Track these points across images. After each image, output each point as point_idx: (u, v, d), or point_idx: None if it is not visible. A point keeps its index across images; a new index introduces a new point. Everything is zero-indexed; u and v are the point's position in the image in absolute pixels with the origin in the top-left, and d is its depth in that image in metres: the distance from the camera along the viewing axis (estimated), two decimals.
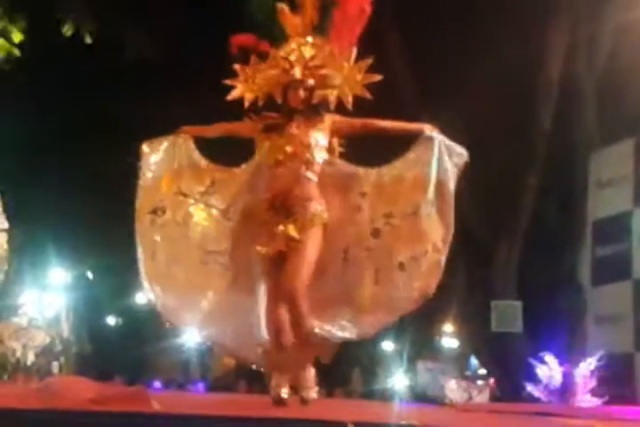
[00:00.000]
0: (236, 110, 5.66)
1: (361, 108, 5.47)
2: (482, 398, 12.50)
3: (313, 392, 4.86)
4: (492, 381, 17.01)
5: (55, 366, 13.94)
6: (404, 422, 3.25)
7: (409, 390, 17.44)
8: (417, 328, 21.65)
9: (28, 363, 12.60)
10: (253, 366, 5.10)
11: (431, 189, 4.95)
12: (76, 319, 18.36)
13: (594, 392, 10.07)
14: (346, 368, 21.92)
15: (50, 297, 17.27)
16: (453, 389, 12.47)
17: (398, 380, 22.23)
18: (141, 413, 3.38)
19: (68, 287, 19.11)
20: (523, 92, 14.91)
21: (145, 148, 5.37)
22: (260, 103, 5.38)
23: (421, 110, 15.16)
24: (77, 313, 18.94)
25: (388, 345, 24.61)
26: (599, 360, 10.22)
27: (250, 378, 19.61)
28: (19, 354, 12.94)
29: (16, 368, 12.66)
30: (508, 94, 14.56)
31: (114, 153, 16.62)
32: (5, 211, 12.44)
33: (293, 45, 5.25)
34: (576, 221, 14.50)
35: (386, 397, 15.07)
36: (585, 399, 9.89)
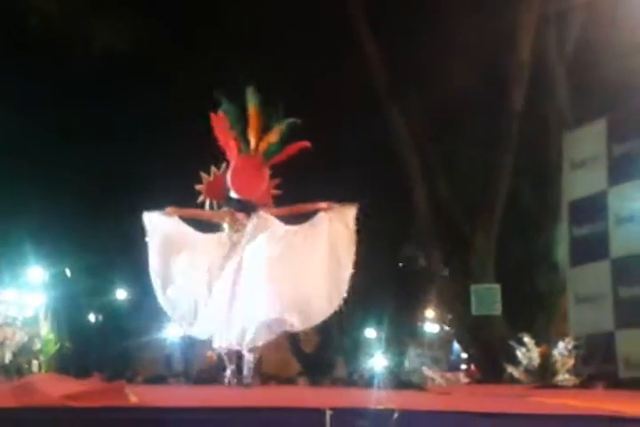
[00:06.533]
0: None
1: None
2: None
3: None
4: (472, 366, 17.10)
5: (35, 364, 13.83)
6: (381, 407, 3.25)
7: (393, 377, 17.50)
8: (400, 315, 21.70)
9: (6, 362, 12.49)
10: None
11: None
12: (55, 317, 18.23)
13: (573, 371, 10.16)
14: (330, 357, 21.95)
15: (28, 296, 17.12)
16: (429, 377, 12.59)
17: (381, 366, 22.31)
18: (118, 407, 3.35)
19: (46, 285, 18.97)
20: (494, 73, 14.91)
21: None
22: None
23: (396, 93, 15.27)
24: (56, 311, 18.81)
25: (370, 333, 24.69)
26: (578, 340, 10.29)
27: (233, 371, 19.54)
28: None
29: None
30: (480, 75, 14.57)
31: (95, 152, 16.57)
32: None
33: None
34: (552, 202, 14.55)
35: (369, 383, 15.12)
36: (564, 379, 9.97)
